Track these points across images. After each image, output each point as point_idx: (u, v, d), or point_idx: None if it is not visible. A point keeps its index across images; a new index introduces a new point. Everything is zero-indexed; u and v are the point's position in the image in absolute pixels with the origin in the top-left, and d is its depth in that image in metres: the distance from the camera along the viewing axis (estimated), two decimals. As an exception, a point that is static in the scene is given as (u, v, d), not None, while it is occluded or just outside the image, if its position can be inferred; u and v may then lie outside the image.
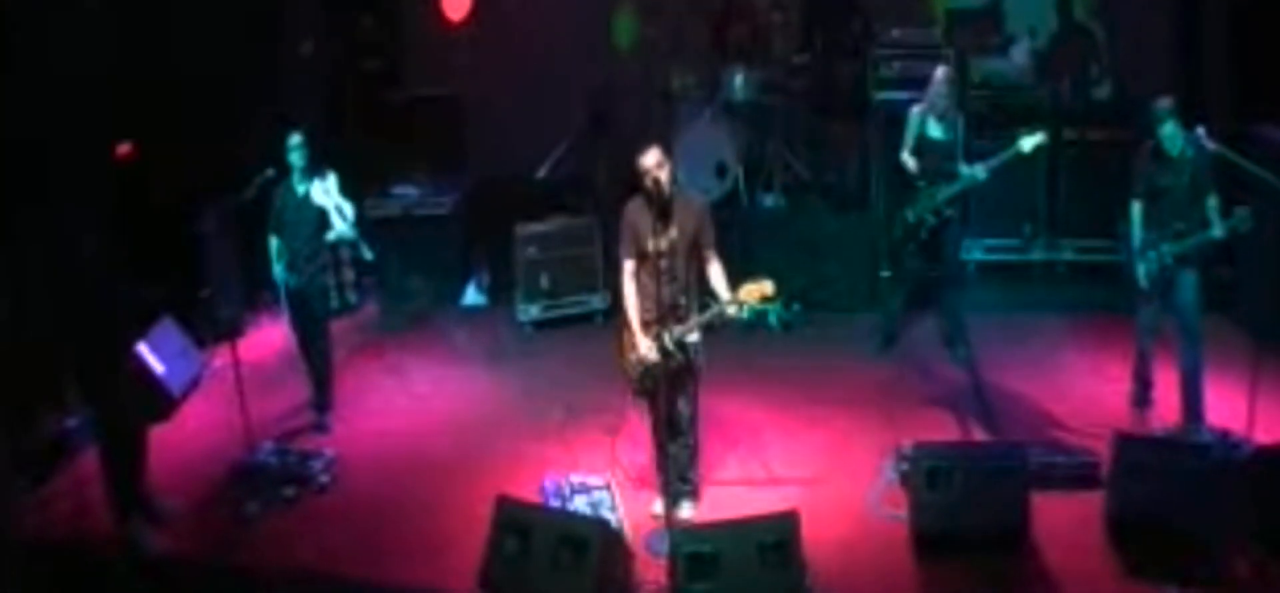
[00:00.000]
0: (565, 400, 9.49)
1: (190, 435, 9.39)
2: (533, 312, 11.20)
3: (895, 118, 11.29)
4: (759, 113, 12.30)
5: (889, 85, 11.60)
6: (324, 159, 9.35)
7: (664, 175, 7.27)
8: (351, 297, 11.80)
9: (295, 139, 9.04)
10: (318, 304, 9.48)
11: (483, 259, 12.28)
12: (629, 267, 7.54)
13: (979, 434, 8.80)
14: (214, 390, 9.98)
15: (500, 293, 11.94)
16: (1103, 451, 8.09)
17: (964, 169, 9.42)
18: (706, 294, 7.49)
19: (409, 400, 9.91)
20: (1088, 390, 9.42)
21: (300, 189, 9.14)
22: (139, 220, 10.35)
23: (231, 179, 9.18)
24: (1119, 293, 10.68)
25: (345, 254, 11.44)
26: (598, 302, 11.25)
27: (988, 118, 10.60)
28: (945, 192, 9.45)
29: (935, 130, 9.48)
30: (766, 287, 7.14)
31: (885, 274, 11.08)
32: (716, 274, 7.47)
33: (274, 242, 9.24)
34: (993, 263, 11.46)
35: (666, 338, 7.30)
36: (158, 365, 9.63)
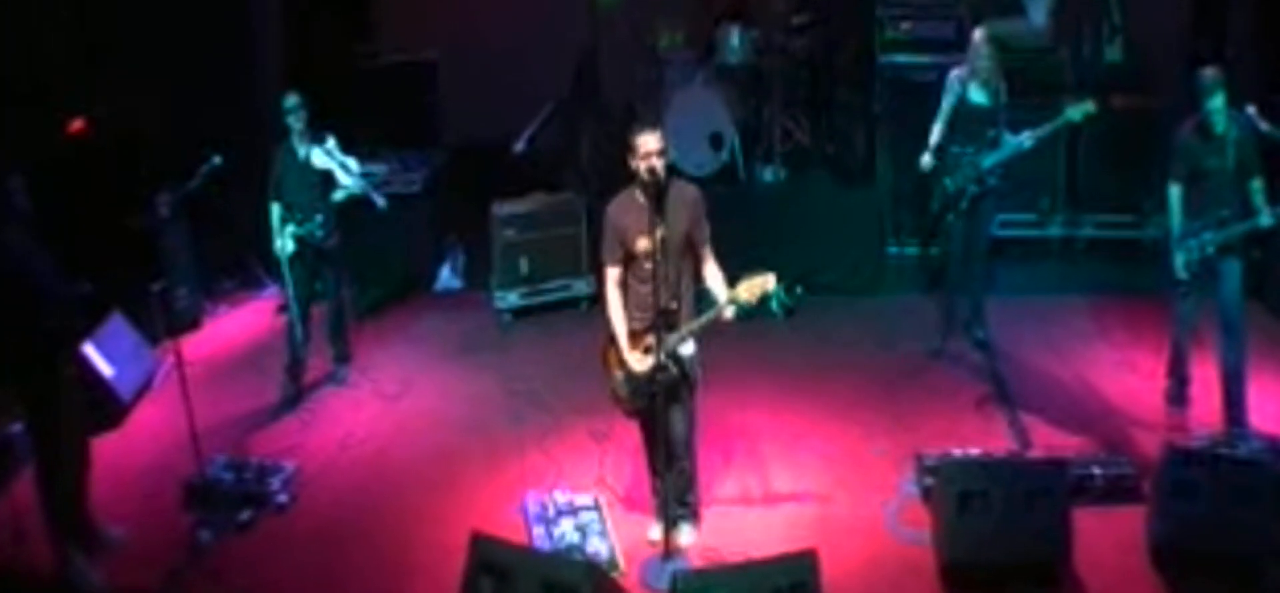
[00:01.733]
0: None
1: (139, 446, 8.58)
2: (511, 299, 10.36)
3: (903, 82, 10.73)
4: (756, 76, 11.45)
5: (897, 47, 10.87)
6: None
7: (661, 164, 6.41)
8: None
9: (291, 101, 8.63)
10: (335, 267, 9.06)
11: (457, 239, 11.43)
12: (613, 273, 6.70)
13: (1002, 437, 8.06)
14: (168, 393, 9.09)
15: (477, 275, 11.09)
16: (1140, 456, 7.51)
17: (1009, 136, 8.73)
18: (700, 295, 6.72)
19: (378, 403, 9.07)
20: (1118, 386, 8.68)
21: (301, 152, 8.69)
22: (89, 203, 9.56)
23: (191, 156, 8.42)
24: (1141, 272, 10.09)
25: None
26: (582, 286, 10.44)
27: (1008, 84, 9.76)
28: (989, 159, 8.74)
29: (978, 96, 8.77)
30: (767, 281, 6.34)
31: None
32: (712, 273, 6.66)
33: (275, 209, 8.75)
34: (1008, 239, 10.66)
35: (660, 350, 6.50)
36: (106, 368, 8.85)
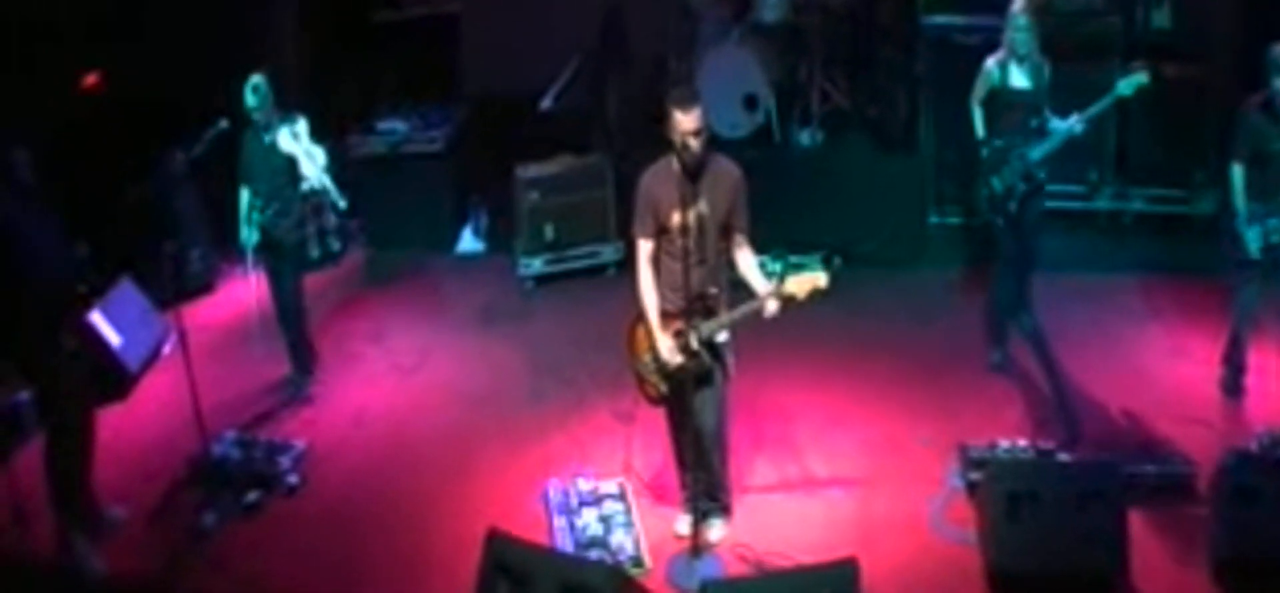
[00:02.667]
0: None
1: (146, 420, 8.25)
2: (535, 266, 9.97)
3: (947, 44, 10.22)
4: (793, 34, 10.92)
5: (941, 6, 10.32)
6: (287, 97, 8.38)
7: (698, 142, 6.02)
8: (334, 244, 10.57)
9: (253, 100, 8.00)
10: (288, 264, 8.47)
11: (481, 199, 11.02)
12: (646, 248, 6.31)
13: (1049, 425, 7.64)
14: (178, 361, 8.61)
15: (500, 237, 10.70)
16: (1196, 452, 7.10)
17: (1057, 122, 7.92)
18: (737, 281, 6.35)
19: (393, 376, 8.73)
20: (1172, 374, 8.24)
21: (267, 135, 8.15)
22: (100, 164, 9.31)
23: (205, 116, 8.19)
24: (1192, 249, 9.67)
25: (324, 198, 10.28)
26: (610, 253, 10.03)
27: (1053, 49, 9.24)
28: (1038, 150, 7.94)
29: (1019, 80, 7.93)
30: (820, 279, 5.94)
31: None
32: (748, 262, 6.29)
33: (244, 193, 8.26)
34: (1054, 211, 10.10)
35: (693, 336, 6.11)
36: (113, 336, 8.52)
